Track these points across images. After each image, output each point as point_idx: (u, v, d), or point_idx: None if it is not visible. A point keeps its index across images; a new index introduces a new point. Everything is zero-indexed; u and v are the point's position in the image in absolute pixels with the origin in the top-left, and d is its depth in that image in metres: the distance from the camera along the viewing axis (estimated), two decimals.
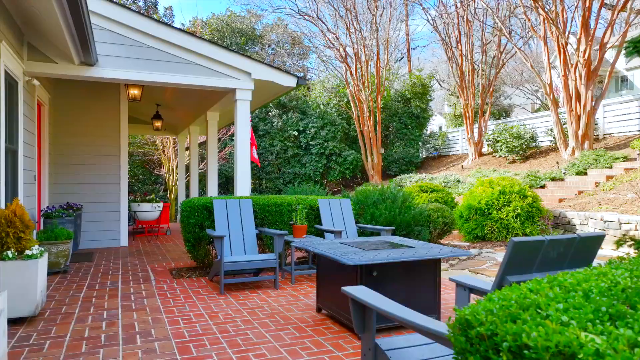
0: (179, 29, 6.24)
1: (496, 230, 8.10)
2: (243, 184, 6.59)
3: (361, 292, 2.10)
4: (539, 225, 8.14)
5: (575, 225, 7.80)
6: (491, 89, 18.26)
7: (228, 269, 4.68)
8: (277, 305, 4.24)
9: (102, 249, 7.67)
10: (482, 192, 8.33)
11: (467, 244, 8.12)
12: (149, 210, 8.72)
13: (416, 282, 3.55)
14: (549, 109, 20.32)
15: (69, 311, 3.98)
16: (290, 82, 6.91)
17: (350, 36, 18.90)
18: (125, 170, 8.18)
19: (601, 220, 7.23)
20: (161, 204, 8.97)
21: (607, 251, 6.69)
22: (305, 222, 5.41)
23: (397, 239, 4.24)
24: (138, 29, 5.91)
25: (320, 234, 5.93)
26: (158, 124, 10.39)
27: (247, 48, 27.83)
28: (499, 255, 7.02)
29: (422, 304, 3.56)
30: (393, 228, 5.44)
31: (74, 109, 7.88)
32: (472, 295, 3.24)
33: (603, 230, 7.15)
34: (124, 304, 4.22)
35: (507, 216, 8.02)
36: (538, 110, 28.64)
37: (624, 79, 26.61)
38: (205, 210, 5.47)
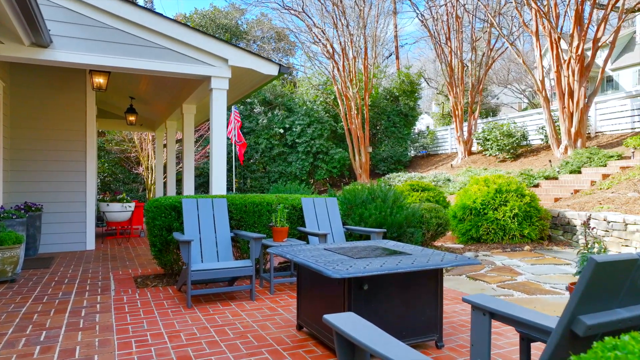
0: (146, 8, 5.59)
1: (492, 231, 7.61)
2: (219, 181, 5.97)
3: (349, 325, 1.52)
4: (538, 226, 7.67)
5: (575, 226, 7.35)
6: (481, 86, 17.88)
7: (196, 278, 4.06)
8: (251, 321, 3.65)
9: (65, 253, 6.98)
10: (477, 191, 7.83)
11: (462, 246, 7.61)
12: (119, 211, 8.03)
13: (414, 296, 2.99)
14: (536, 108, 20.04)
15: (0, 332, 3.33)
16: (272, 70, 6.32)
17: (337, 32, 18.35)
18: (92, 167, 7.49)
19: (604, 220, 6.78)
20: (133, 204, 8.27)
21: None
22: (286, 224, 4.83)
23: (390, 244, 3.68)
24: (98, 6, 5.25)
25: (304, 237, 5.35)
26: (132, 118, 9.70)
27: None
28: (497, 258, 6.53)
29: (422, 322, 3.01)
30: (384, 230, 4.89)
31: (33, 99, 7.16)
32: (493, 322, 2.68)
33: (606, 231, 6.71)
34: (71, 322, 3.58)
35: (504, 216, 7.53)
36: (525, 109, 28.46)
37: (610, 79, 26.62)
38: (173, 211, 4.85)
